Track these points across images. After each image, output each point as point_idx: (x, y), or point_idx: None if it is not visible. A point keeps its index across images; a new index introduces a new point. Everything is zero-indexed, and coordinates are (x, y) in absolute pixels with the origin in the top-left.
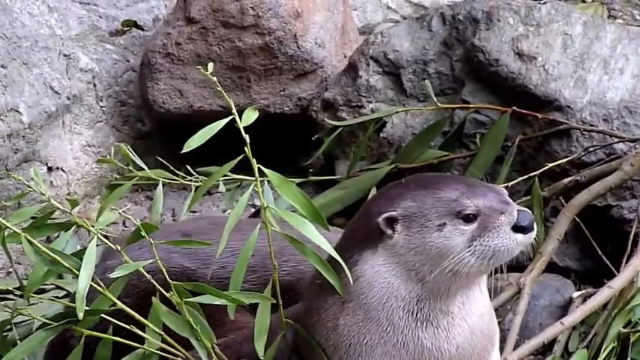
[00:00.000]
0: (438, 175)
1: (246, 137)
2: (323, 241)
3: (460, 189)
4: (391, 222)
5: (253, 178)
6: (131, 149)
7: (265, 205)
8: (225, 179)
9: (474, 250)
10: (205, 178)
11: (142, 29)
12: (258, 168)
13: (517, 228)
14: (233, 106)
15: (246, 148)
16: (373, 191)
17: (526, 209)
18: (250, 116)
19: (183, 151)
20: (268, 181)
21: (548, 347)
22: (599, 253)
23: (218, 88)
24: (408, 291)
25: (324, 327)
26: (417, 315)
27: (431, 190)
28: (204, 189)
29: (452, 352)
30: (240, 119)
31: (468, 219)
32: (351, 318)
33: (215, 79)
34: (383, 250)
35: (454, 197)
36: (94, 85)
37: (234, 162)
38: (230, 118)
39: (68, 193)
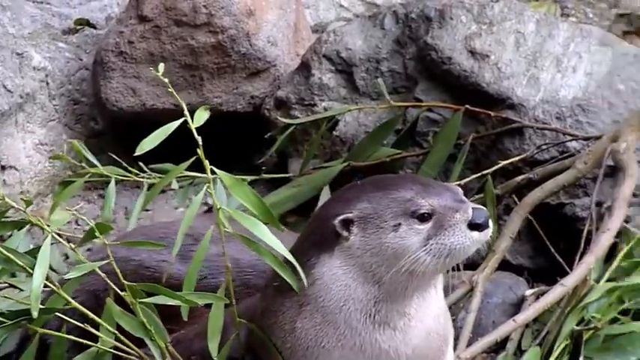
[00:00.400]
0: (394, 176)
1: (199, 138)
2: (276, 242)
3: (415, 189)
4: (347, 224)
5: (206, 177)
6: (84, 146)
7: (218, 207)
8: (178, 177)
9: (429, 249)
10: (158, 175)
11: (95, 28)
12: (211, 168)
13: (472, 225)
14: (185, 107)
15: (198, 150)
16: (326, 189)
17: (481, 207)
18: (202, 116)
19: (136, 154)
20: (221, 181)
21: (501, 345)
22: (552, 251)
23: (169, 89)
24: (365, 293)
25: (282, 329)
26: (374, 317)
27: (386, 191)
28: (159, 188)
29: (408, 354)
30: (192, 119)
31: (423, 218)
32: (309, 321)
33: (167, 79)
34: (340, 253)
35: (409, 197)
36: (47, 83)
37: (188, 162)
38: (182, 120)
39: (21, 192)
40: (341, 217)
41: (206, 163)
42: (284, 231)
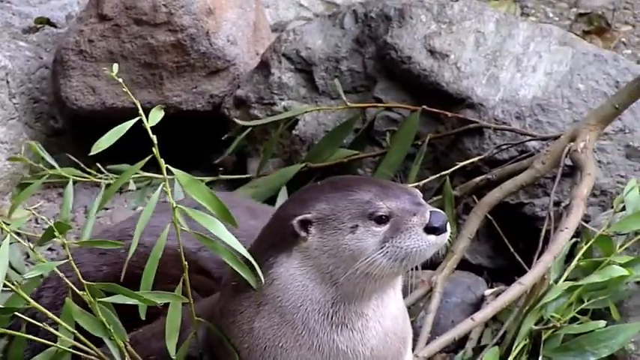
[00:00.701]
0: (353, 177)
1: (154, 137)
2: (233, 240)
3: (373, 191)
4: (305, 224)
5: (162, 177)
6: (42, 147)
7: (174, 206)
8: (136, 177)
9: (386, 251)
10: (116, 175)
11: (55, 26)
12: (167, 167)
13: (429, 229)
14: (140, 107)
15: (154, 149)
16: (283, 190)
17: (439, 210)
18: (156, 116)
19: (92, 153)
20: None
21: (460, 344)
22: (511, 250)
23: (124, 89)
24: (322, 294)
25: (240, 329)
26: (332, 318)
27: (344, 192)
28: (115, 188)
29: (366, 355)
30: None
31: (380, 220)
32: (267, 321)
33: (125, 78)
34: (298, 253)
35: (366, 199)
36: (7, 82)
37: (143, 162)
38: (137, 119)
39: None
40: (299, 217)
41: (161, 161)
42: (237, 226)
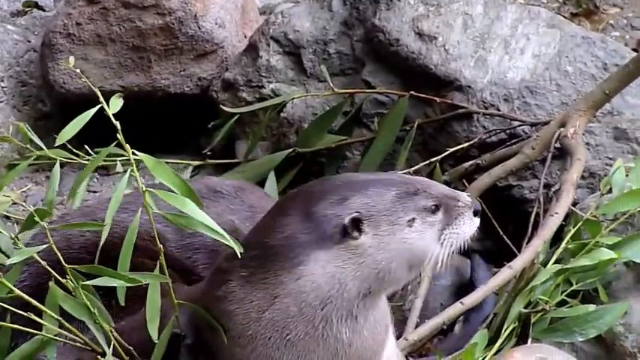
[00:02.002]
0: (369, 173)
1: (117, 124)
2: (206, 218)
3: (412, 182)
4: (356, 223)
5: (129, 160)
6: (30, 129)
7: (144, 189)
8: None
9: (444, 239)
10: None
11: (43, 10)
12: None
13: (476, 212)
14: (100, 94)
15: (118, 135)
16: (271, 175)
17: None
18: (116, 104)
19: (57, 143)
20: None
21: (449, 327)
22: (501, 233)
23: (83, 80)
24: (357, 290)
25: (247, 316)
26: (353, 313)
27: (383, 187)
28: (90, 169)
29: (357, 345)
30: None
31: (434, 210)
32: (281, 313)
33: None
34: (341, 252)
35: (412, 190)
36: None
37: (110, 147)
38: (99, 106)
39: None
40: (350, 216)
41: (127, 146)
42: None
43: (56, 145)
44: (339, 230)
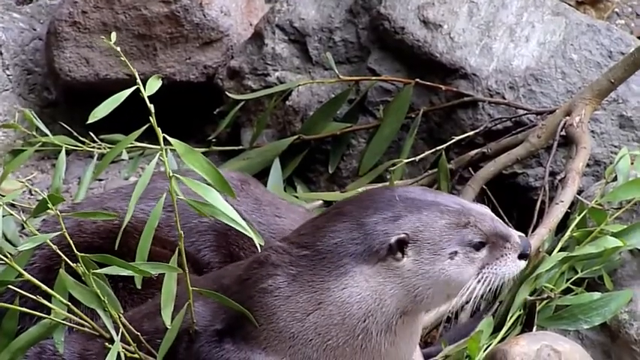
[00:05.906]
0: (437, 193)
1: (151, 107)
2: (229, 208)
3: (467, 213)
4: (401, 244)
5: (158, 147)
6: (36, 116)
7: (171, 175)
8: (129, 147)
9: (482, 277)
10: (110, 145)
11: None
12: (164, 137)
13: (522, 256)
14: (137, 76)
15: (151, 118)
16: (276, 162)
17: (523, 235)
18: (154, 85)
19: (88, 122)
20: (173, 150)
21: (454, 315)
22: (506, 221)
23: (122, 58)
24: (396, 308)
25: (292, 315)
26: (393, 328)
27: (437, 213)
28: (110, 158)
29: (393, 356)
30: (145, 88)
31: (478, 246)
32: (325, 319)
33: (119, 48)
34: (383, 269)
35: (463, 223)
36: (1, 53)
37: (139, 131)
38: (134, 87)
39: None
40: (396, 237)
41: (158, 130)
42: (235, 197)
43: (88, 122)
44: (386, 248)
